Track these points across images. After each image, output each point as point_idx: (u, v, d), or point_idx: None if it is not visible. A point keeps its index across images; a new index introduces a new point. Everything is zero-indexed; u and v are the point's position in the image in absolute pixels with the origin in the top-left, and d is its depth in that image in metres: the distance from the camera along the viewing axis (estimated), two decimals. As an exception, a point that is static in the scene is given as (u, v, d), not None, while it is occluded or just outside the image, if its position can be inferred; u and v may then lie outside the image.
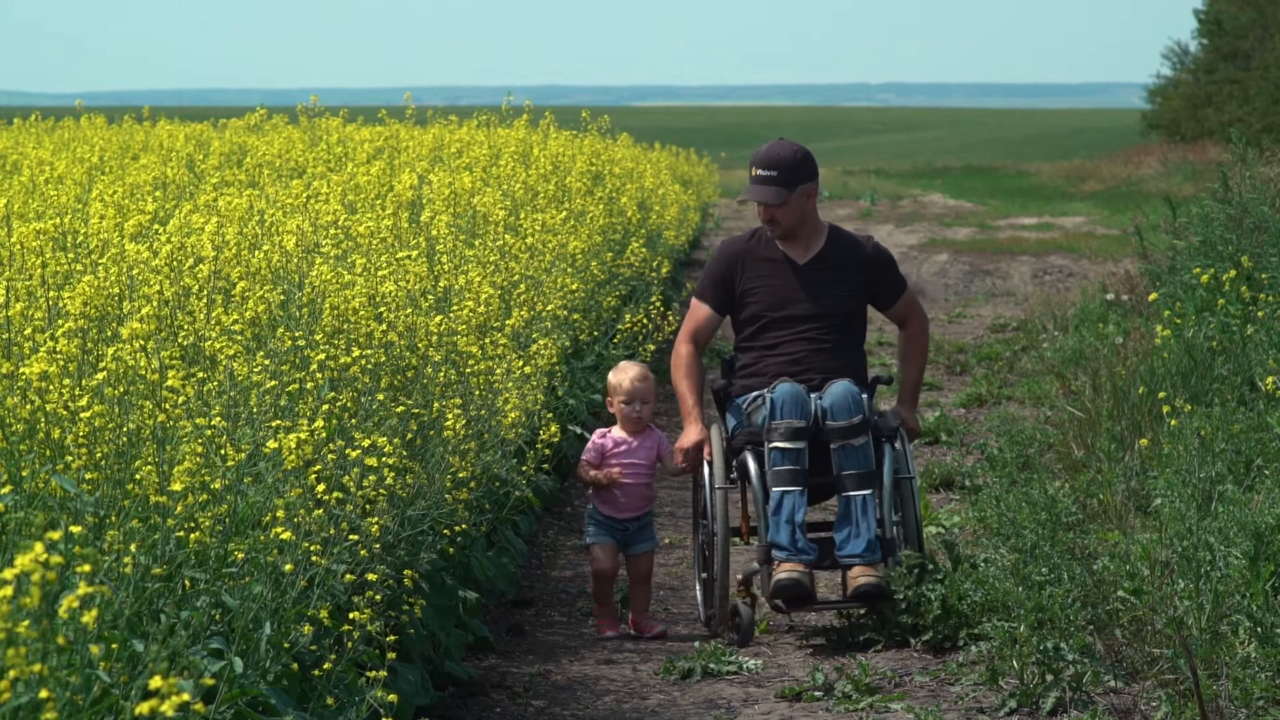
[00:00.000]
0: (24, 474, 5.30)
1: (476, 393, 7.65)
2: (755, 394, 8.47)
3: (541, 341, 8.88)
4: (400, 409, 6.84)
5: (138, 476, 5.36)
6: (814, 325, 8.53)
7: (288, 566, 5.49)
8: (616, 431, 8.65)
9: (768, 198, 8.53)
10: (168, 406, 5.53)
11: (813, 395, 8.35)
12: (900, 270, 8.84)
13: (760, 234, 8.71)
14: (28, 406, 5.48)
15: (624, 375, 8.67)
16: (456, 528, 7.21)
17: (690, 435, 8.57)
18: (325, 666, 5.67)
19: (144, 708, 3.73)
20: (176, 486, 5.31)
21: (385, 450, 6.10)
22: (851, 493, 8.21)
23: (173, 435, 5.58)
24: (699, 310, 8.71)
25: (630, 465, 8.59)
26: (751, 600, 8.39)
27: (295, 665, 5.63)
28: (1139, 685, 7.27)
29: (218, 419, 5.82)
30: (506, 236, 10.36)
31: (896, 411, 8.58)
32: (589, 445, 8.67)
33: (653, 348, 12.11)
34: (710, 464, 8.48)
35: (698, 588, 8.76)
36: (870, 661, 7.81)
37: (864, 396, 8.35)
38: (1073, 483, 10.23)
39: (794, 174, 8.57)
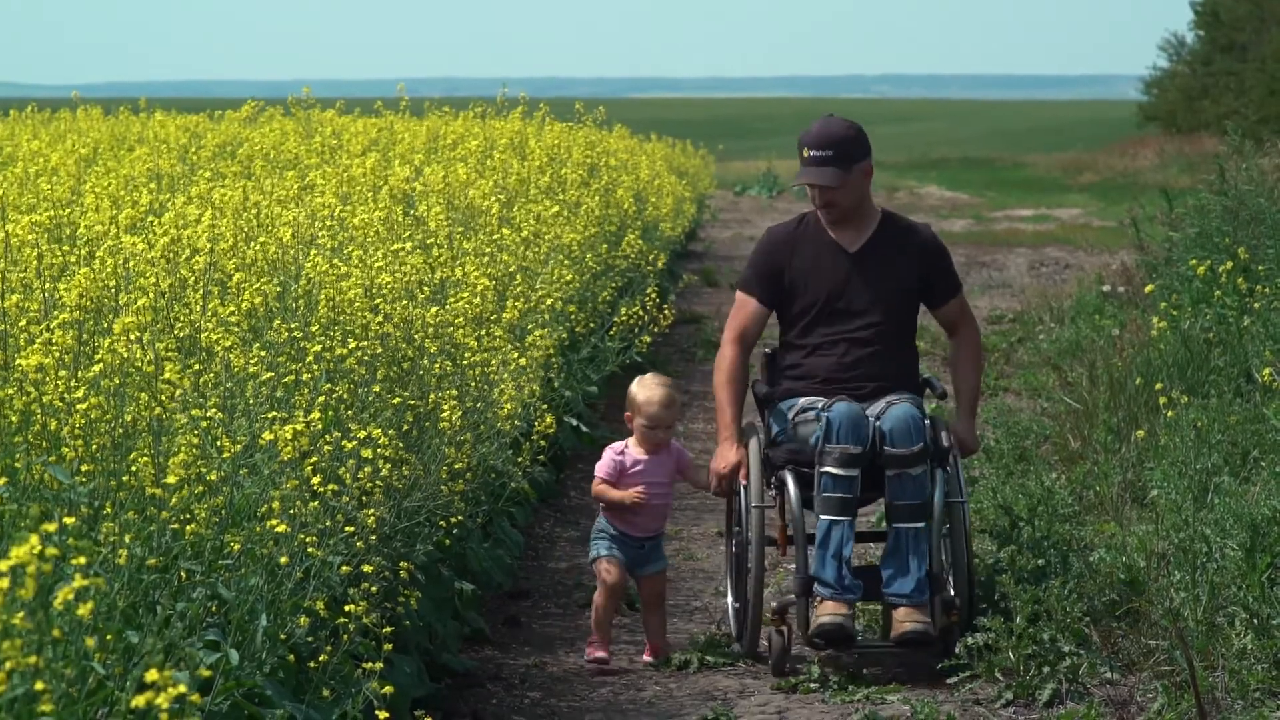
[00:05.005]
0: (19, 466, 5.29)
1: (473, 385, 7.65)
2: (805, 403, 7.82)
3: (538, 333, 8.87)
4: (396, 400, 6.84)
5: (133, 468, 5.35)
6: (865, 322, 7.86)
7: (283, 559, 5.49)
8: (632, 447, 7.96)
9: (825, 179, 7.84)
10: (163, 398, 5.53)
11: (869, 413, 7.70)
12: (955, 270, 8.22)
13: (807, 219, 8.05)
14: (23, 398, 5.47)
15: (650, 397, 7.91)
16: (453, 519, 7.21)
17: (727, 457, 7.88)
18: (321, 658, 5.67)
19: (139, 700, 3.73)
20: (172, 479, 5.30)
21: (381, 442, 6.10)
22: (903, 525, 7.57)
23: (168, 427, 5.58)
24: (745, 304, 8.04)
25: (650, 484, 7.91)
26: (786, 630, 7.65)
27: (291, 657, 5.62)
28: (1135, 677, 7.27)
29: (214, 410, 5.82)
30: (503, 230, 10.35)
31: (953, 426, 7.91)
32: (605, 461, 7.96)
33: (648, 340, 12.10)
34: (745, 485, 7.84)
35: (729, 605, 8.16)
36: (867, 653, 7.80)
37: (926, 422, 7.68)
38: (1069, 474, 10.24)
39: (850, 152, 7.89)
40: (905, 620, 7.50)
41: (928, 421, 7.69)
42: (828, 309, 7.91)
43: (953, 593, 7.60)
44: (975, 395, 8.10)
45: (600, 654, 7.83)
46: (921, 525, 7.56)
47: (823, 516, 7.57)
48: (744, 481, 7.85)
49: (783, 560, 8.69)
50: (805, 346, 7.93)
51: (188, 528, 5.36)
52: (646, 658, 7.92)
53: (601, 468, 7.95)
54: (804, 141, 7.93)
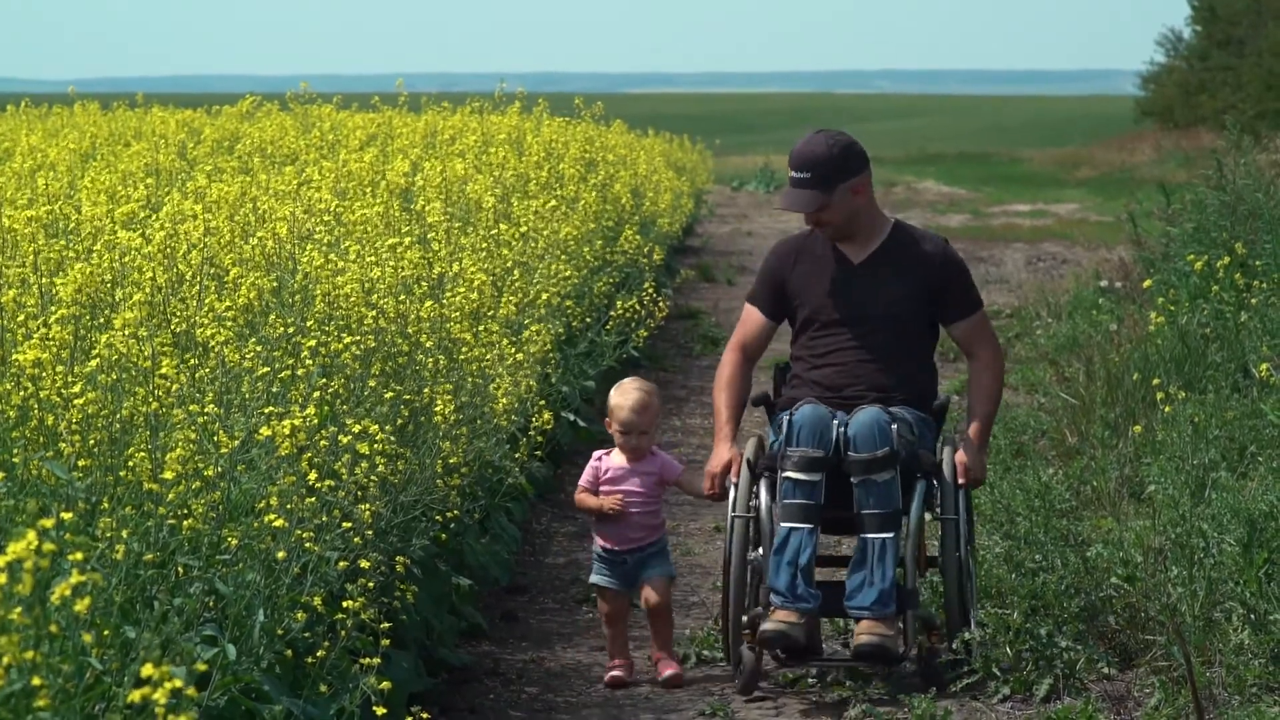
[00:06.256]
0: (17, 461, 5.29)
1: (469, 380, 7.65)
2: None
3: (534, 328, 8.86)
4: (390, 394, 6.84)
5: (130, 463, 5.35)
6: (866, 331, 7.54)
7: (280, 554, 5.49)
8: (614, 455, 7.69)
9: (802, 205, 7.54)
10: (160, 393, 5.53)
11: (837, 420, 7.37)
12: (975, 288, 7.82)
13: (816, 231, 7.72)
14: (20, 393, 5.47)
15: (622, 402, 7.64)
16: (449, 514, 7.20)
17: (718, 457, 7.58)
18: (319, 653, 5.67)
19: (135, 695, 3.73)
20: (169, 474, 5.30)
21: (378, 437, 6.09)
22: (871, 535, 7.23)
23: (166, 422, 5.58)
24: (750, 315, 7.77)
25: (626, 493, 7.62)
26: (758, 646, 7.34)
27: (289, 652, 5.62)
28: (1132, 672, 7.27)
29: (210, 405, 5.82)
30: (501, 225, 10.35)
31: (962, 447, 7.55)
32: (586, 469, 7.73)
33: (645, 334, 12.09)
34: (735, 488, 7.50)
35: (723, 629, 7.66)
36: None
37: (894, 426, 7.30)
38: (1066, 470, 10.23)
39: (831, 173, 7.51)
40: (864, 633, 7.19)
41: (894, 426, 7.32)
42: (829, 319, 7.60)
43: (941, 616, 7.35)
44: (987, 421, 7.70)
45: (615, 673, 7.56)
46: (890, 536, 7.22)
47: (782, 523, 7.25)
48: (734, 480, 7.55)
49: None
50: (809, 358, 7.64)
51: (185, 523, 5.36)
52: (665, 673, 7.55)
53: (583, 476, 7.72)
54: (789, 162, 7.66)
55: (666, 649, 7.62)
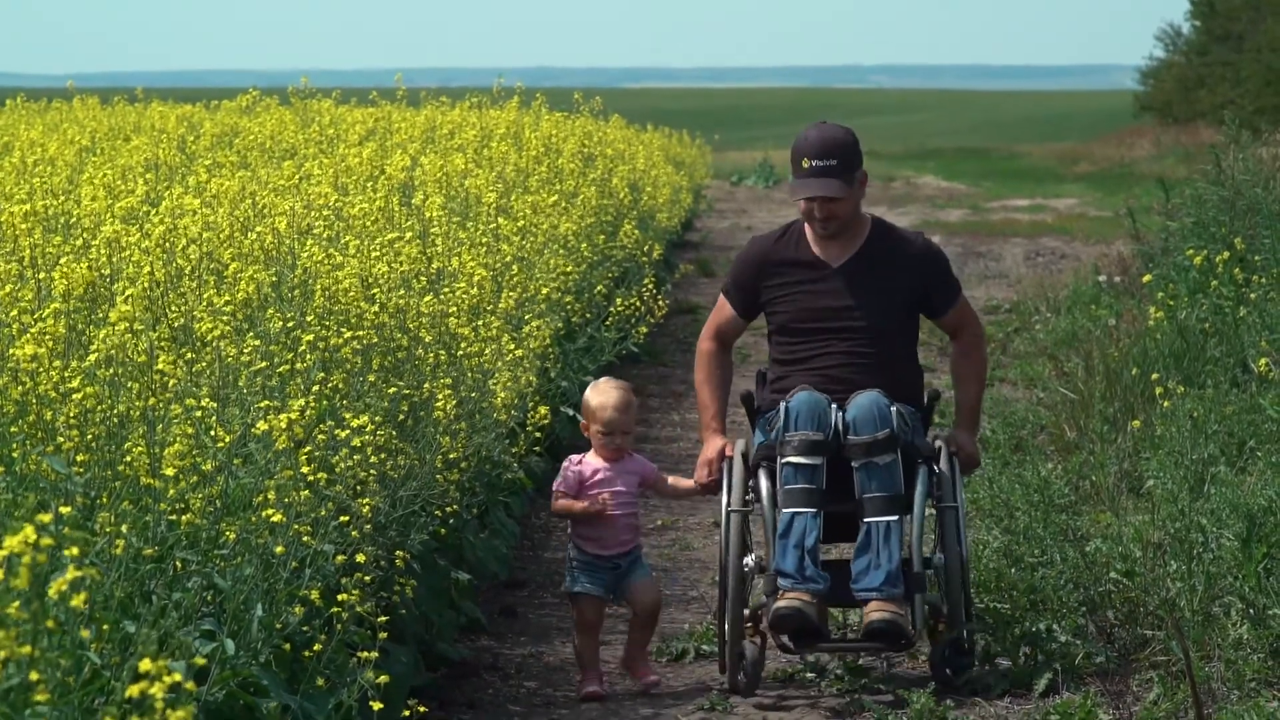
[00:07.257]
0: (15, 455, 5.29)
1: (469, 375, 7.64)
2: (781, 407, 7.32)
3: (534, 323, 8.86)
4: (391, 390, 6.83)
5: (129, 458, 5.35)
6: (851, 336, 7.40)
7: (279, 548, 5.48)
8: (591, 457, 7.44)
9: (832, 190, 7.36)
10: (157, 388, 5.53)
11: (834, 407, 7.23)
12: (953, 273, 7.73)
13: (792, 231, 7.57)
14: (18, 388, 5.47)
15: (604, 401, 7.41)
16: (448, 509, 7.19)
17: (713, 446, 7.50)
18: (316, 647, 5.66)
19: (134, 690, 3.73)
20: (169, 471, 5.30)
21: (368, 429, 6.08)
22: (874, 518, 7.10)
23: (163, 417, 5.58)
24: (724, 308, 7.64)
25: (613, 494, 7.37)
26: (761, 640, 7.23)
27: (287, 646, 5.62)
28: (1131, 667, 7.27)
29: (207, 400, 5.81)
30: (500, 220, 10.35)
31: (953, 436, 7.51)
32: (562, 475, 7.42)
33: (645, 330, 12.09)
34: (729, 482, 7.39)
35: (719, 630, 7.44)
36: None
37: (893, 409, 7.19)
38: (1065, 464, 10.23)
39: (853, 160, 7.44)
40: (873, 612, 7.05)
41: (894, 408, 7.22)
42: (809, 325, 7.46)
43: (944, 605, 7.20)
44: (977, 406, 7.73)
45: (593, 688, 7.35)
46: (894, 519, 7.10)
47: (785, 509, 7.11)
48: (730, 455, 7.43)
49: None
50: (793, 360, 7.48)
51: (183, 518, 5.36)
52: (647, 678, 7.43)
53: (559, 482, 7.44)
54: (802, 151, 7.43)
55: (645, 655, 7.51)
